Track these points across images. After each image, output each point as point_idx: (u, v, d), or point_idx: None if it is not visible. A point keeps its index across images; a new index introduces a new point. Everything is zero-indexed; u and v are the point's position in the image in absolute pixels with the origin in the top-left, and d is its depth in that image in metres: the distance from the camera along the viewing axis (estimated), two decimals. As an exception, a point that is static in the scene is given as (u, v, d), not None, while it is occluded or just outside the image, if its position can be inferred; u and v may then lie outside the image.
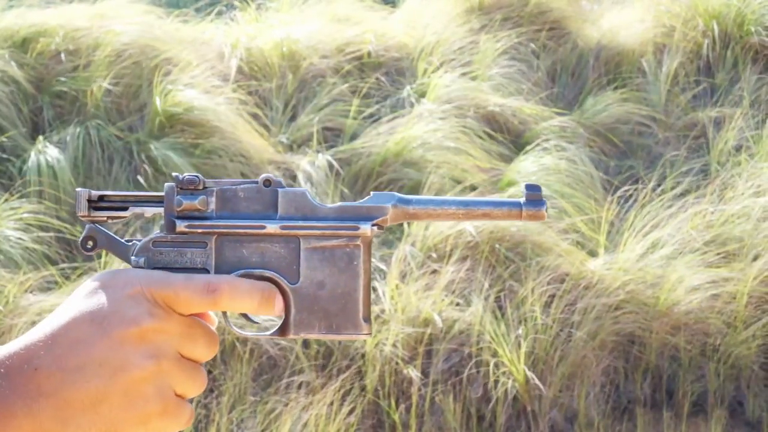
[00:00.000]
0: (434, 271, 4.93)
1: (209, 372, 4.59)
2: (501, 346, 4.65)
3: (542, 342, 4.70)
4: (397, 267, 4.91)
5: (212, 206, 1.12)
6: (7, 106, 5.73)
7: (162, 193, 1.12)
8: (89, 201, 1.12)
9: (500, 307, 4.86)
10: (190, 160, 5.57)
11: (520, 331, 4.71)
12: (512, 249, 5.05)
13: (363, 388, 4.61)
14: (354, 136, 5.96)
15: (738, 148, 5.87)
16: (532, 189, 1.18)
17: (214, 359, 4.61)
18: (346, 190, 5.54)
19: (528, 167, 5.63)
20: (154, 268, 1.12)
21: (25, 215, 5.03)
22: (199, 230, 1.11)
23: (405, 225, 5.21)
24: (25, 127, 5.77)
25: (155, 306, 1.08)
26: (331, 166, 5.63)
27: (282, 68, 6.31)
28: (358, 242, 1.12)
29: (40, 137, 5.56)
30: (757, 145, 5.82)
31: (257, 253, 1.11)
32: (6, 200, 5.16)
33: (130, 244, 1.12)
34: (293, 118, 6.14)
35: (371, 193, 1.14)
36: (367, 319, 1.12)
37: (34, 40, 6.07)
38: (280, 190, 1.12)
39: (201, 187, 1.12)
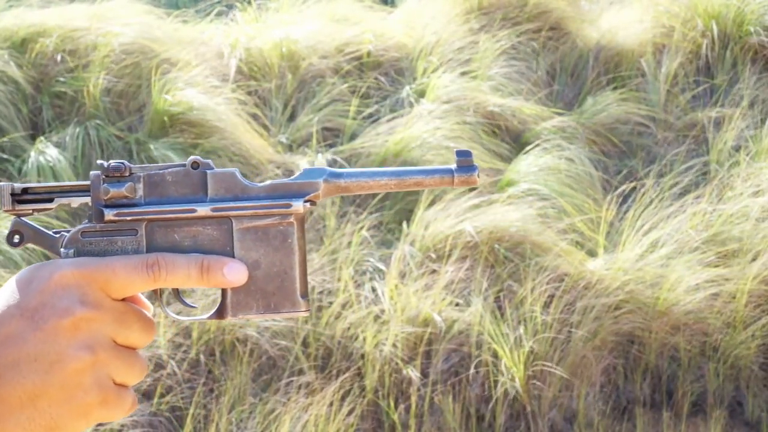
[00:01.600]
0: (433, 271, 4.93)
1: (209, 372, 4.59)
2: (500, 346, 4.65)
3: (541, 342, 4.70)
4: (396, 267, 4.91)
5: (140, 192, 1.10)
6: (7, 107, 5.73)
7: (88, 182, 1.10)
8: (13, 195, 1.10)
9: (500, 307, 4.86)
10: (189, 161, 5.56)
11: (519, 331, 4.71)
12: (511, 249, 5.05)
13: (362, 389, 4.61)
14: (353, 136, 5.96)
15: (737, 148, 5.87)
16: (463, 155, 1.16)
17: (213, 359, 4.62)
18: (345, 191, 5.54)
19: (527, 167, 5.63)
20: None
21: (25, 215, 5.03)
22: (129, 218, 1.09)
23: (404, 225, 5.21)
24: (25, 127, 5.77)
25: (87, 293, 1.05)
26: (330, 165, 5.63)
27: (281, 68, 6.31)
28: (291, 219, 1.11)
29: (40, 137, 5.56)
30: (756, 145, 5.83)
31: (189, 237, 1.10)
32: (5, 200, 5.15)
33: (58, 236, 1.10)
34: (293, 118, 6.14)
35: (302, 168, 1.13)
36: (305, 295, 1.12)
37: (33, 40, 6.07)
38: (208, 171, 1.11)
39: (127, 174, 1.10)
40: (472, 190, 5.46)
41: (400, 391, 4.64)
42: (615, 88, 6.45)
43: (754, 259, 5.02)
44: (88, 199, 1.10)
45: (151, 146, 5.59)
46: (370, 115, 6.14)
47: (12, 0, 6.59)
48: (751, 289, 4.91)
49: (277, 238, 1.11)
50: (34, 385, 1.03)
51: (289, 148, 5.90)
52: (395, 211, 5.44)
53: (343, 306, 4.82)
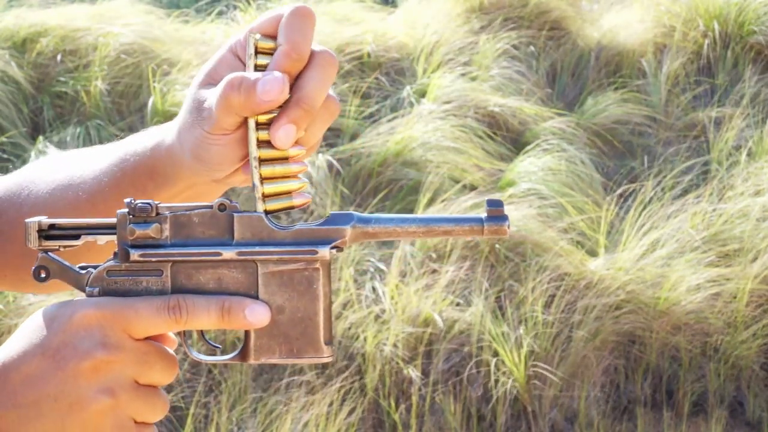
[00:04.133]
0: (434, 271, 4.93)
1: (209, 371, 4.59)
2: (501, 346, 4.65)
3: (542, 342, 4.70)
4: (397, 266, 4.91)
5: (166, 233, 1.09)
6: (7, 107, 5.73)
7: (114, 220, 1.10)
8: (39, 231, 1.10)
9: (500, 307, 4.86)
10: (190, 160, 5.57)
11: (520, 331, 4.71)
12: (512, 249, 5.05)
13: (363, 388, 4.61)
14: (354, 136, 5.96)
15: (738, 148, 5.88)
16: (494, 204, 1.12)
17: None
18: (346, 191, 5.54)
19: (528, 167, 5.63)
20: None
21: (25, 215, 5.03)
22: (154, 259, 1.09)
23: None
24: (26, 127, 5.77)
25: (108, 334, 1.05)
26: (330, 166, 5.63)
27: (282, 68, 6.30)
28: (317, 265, 1.10)
29: (41, 137, 5.57)
30: (757, 145, 5.83)
31: (214, 279, 1.10)
32: (6, 200, 5.16)
33: (84, 272, 1.10)
34: (293, 118, 6.13)
35: (329, 213, 1.12)
36: (329, 341, 1.11)
37: (33, 40, 6.08)
38: (235, 214, 1.10)
39: (154, 214, 1.09)
40: (472, 188, 5.46)
41: (400, 391, 4.64)
42: (616, 89, 6.45)
43: (755, 259, 5.02)
44: (114, 238, 1.10)
45: (152, 146, 5.60)
46: (371, 115, 6.14)
47: (13, 0, 6.59)
48: (752, 288, 4.91)
49: (302, 284, 1.10)
50: (54, 425, 1.04)
51: (290, 148, 5.89)
52: (396, 210, 5.44)
53: (344, 306, 4.82)
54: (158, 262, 1.09)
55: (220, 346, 1.18)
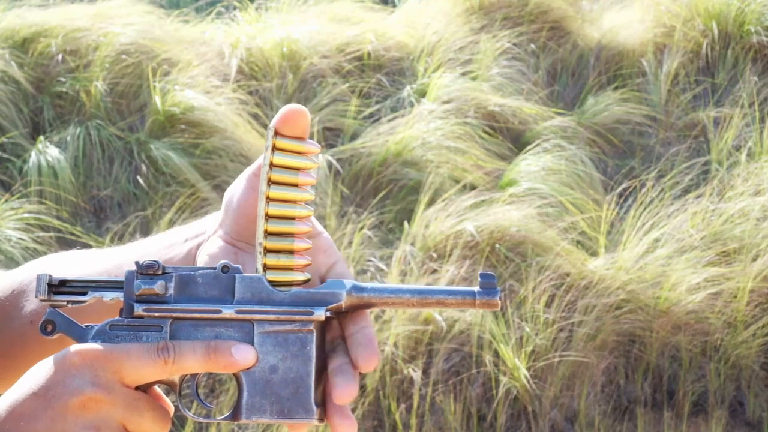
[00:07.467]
0: (434, 271, 4.93)
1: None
2: (502, 346, 4.65)
3: (543, 342, 4.70)
4: (397, 267, 4.91)
5: (171, 291, 1.13)
6: (8, 107, 5.73)
7: (122, 279, 1.13)
8: (50, 285, 1.13)
9: (501, 307, 4.86)
10: (190, 161, 5.57)
11: (521, 331, 4.72)
12: (512, 249, 5.06)
13: (364, 388, 4.61)
14: (354, 136, 5.96)
15: (738, 148, 5.88)
16: (487, 278, 1.16)
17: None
18: (346, 190, 5.55)
19: (528, 167, 5.64)
20: None
21: (26, 215, 5.04)
22: (156, 314, 1.12)
23: (405, 224, 5.21)
24: (26, 127, 5.77)
25: (99, 375, 1.07)
26: (331, 165, 5.63)
27: (282, 68, 6.31)
28: (311, 327, 1.12)
29: (41, 137, 5.56)
30: (756, 145, 5.83)
31: (211, 337, 1.13)
32: (6, 200, 5.16)
33: (88, 328, 1.12)
34: (293, 118, 6.13)
35: (327, 280, 1.15)
36: (319, 403, 1.13)
37: (34, 40, 6.08)
38: (237, 275, 1.13)
39: (160, 272, 1.13)
40: (473, 188, 5.46)
41: (401, 391, 4.64)
42: (616, 88, 6.45)
43: (755, 259, 5.02)
44: (120, 295, 1.13)
45: (152, 146, 5.60)
46: (371, 115, 6.14)
47: (13, 0, 6.59)
48: (752, 288, 4.91)
49: (296, 345, 1.13)
50: None
51: (290, 147, 5.89)
52: (396, 210, 5.44)
53: (344, 306, 4.82)
54: (160, 317, 1.12)
55: (212, 406, 1.21)
